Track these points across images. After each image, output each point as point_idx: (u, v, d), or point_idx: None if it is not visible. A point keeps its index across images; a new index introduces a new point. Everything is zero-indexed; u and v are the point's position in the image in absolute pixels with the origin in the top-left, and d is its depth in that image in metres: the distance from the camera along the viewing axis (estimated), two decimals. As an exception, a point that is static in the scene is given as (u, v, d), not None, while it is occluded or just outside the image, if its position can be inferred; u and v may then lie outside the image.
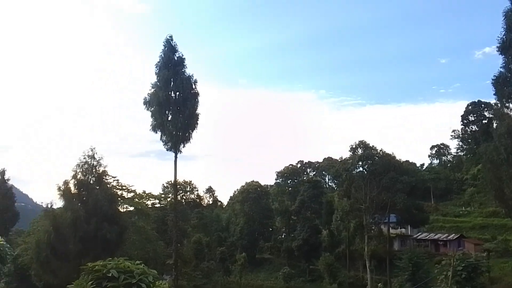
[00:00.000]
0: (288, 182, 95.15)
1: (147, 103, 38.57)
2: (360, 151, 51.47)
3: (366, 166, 51.32)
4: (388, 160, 50.97)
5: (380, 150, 52.02)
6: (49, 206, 28.08)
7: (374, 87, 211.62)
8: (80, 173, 26.64)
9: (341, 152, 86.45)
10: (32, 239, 31.12)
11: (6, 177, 46.15)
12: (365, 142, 51.82)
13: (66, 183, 26.42)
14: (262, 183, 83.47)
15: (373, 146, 51.83)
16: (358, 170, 52.28)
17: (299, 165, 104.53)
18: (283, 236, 77.78)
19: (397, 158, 53.53)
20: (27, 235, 40.38)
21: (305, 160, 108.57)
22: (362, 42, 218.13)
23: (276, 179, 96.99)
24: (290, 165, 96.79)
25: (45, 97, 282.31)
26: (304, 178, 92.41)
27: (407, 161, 69.40)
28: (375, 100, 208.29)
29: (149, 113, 38.56)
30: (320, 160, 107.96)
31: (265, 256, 75.86)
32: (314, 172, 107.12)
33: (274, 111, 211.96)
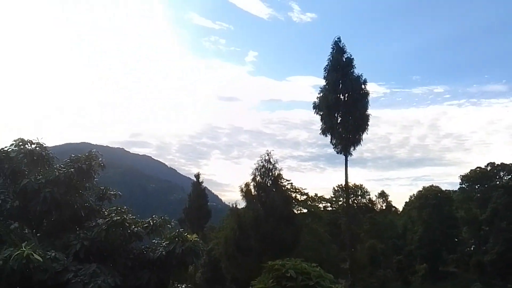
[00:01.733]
0: (476, 187, 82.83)
1: (317, 107, 39.23)
2: None
3: None
4: None
5: None
6: (234, 205, 31.22)
7: None
8: (258, 176, 28.84)
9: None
10: (221, 235, 35.20)
11: (200, 180, 53.33)
12: None
13: (247, 185, 28.98)
14: (443, 188, 75.05)
15: None
16: None
17: (489, 168, 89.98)
18: (471, 249, 68.19)
19: None
20: (218, 231, 45.93)
21: (497, 162, 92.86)
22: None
23: (460, 184, 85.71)
24: (478, 168, 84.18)
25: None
26: (497, 182, 78.94)
27: None
28: None
29: (319, 117, 39.14)
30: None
31: (450, 270, 67.73)
32: (510, 176, 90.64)
33: (455, 108, 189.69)
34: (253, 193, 28.96)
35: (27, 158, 10.44)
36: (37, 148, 10.64)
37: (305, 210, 47.15)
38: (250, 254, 26.73)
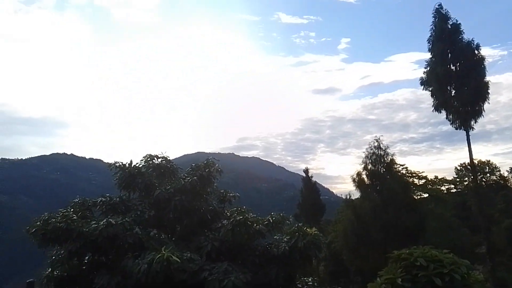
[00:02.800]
0: None
1: (425, 83, 36.14)
2: None
3: None
4: None
5: None
6: (348, 197, 30.50)
7: None
8: (370, 164, 27.72)
9: None
10: (339, 228, 34.67)
11: (309, 174, 53.26)
12: None
13: (359, 174, 28.07)
14: None
15: None
16: None
17: None
18: None
19: None
20: (334, 224, 45.35)
21: None
22: None
23: None
24: None
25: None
26: None
27: None
28: None
29: (428, 93, 36.02)
30: None
31: None
32: None
33: None
34: (366, 182, 27.93)
35: (155, 172, 11.64)
36: (163, 162, 11.80)
37: (425, 195, 43.82)
38: (373, 245, 25.81)
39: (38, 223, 9.26)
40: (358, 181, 28.01)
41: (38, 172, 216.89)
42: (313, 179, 55.17)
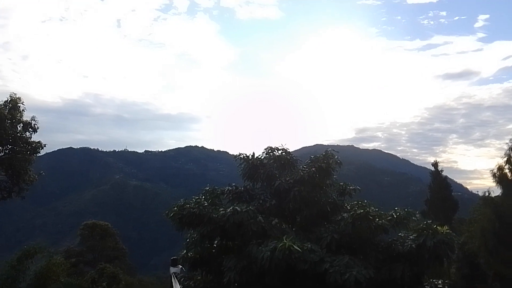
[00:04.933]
0: None
1: None
2: None
3: None
4: None
5: None
6: (486, 194, 27.05)
7: None
8: (514, 157, 24.06)
9: None
10: (475, 227, 31.04)
11: (439, 168, 48.82)
12: None
13: (500, 168, 24.58)
14: None
15: None
16: None
17: None
18: None
19: None
20: (469, 223, 40.78)
21: None
22: None
23: None
24: None
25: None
26: None
27: None
28: None
29: None
30: None
31: None
32: None
33: None
34: (510, 178, 24.35)
35: (276, 163, 12.03)
36: (283, 154, 12.13)
37: None
38: (517, 249, 22.46)
39: (175, 208, 10.41)
40: (500, 176, 24.54)
41: (175, 162, 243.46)
42: (444, 173, 50.50)
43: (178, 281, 11.04)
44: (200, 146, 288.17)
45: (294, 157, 12.35)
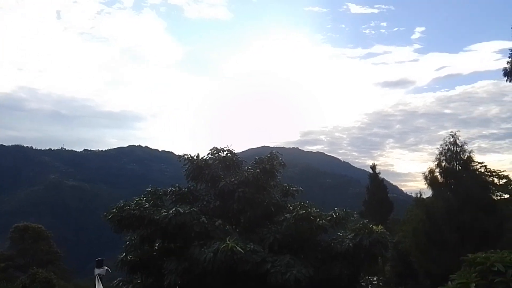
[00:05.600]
0: None
1: (508, 74, 33.01)
2: None
3: None
4: None
5: None
6: (418, 195, 28.88)
7: None
8: (444, 161, 25.95)
9: None
10: (408, 227, 33.02)
11: (377, 171, 51.27)
12: None
13: (431, 172, 26.39)
14: None
15: None
16: None
17: None
18: None
19: None
20: (403, 223, 43.31)
21: None
22: None
23: None
24: None
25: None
26: None
27: None
28: None
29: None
30: None
31: None
32: None
33: None
34: (439, 180, 26.21)
35: (221, 164, 11.97)
36: (229, 155, 12.09)
37: (506, 196, 40.12)
38: (445, 247, 24.24)
39: (114, 210, 9.98)
40: (431, 179, 26.35)
41: (116, 162, 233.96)
42: (381, 175, 53.07)
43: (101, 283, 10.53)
44: (144, 145, 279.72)
45: (239, 158, 12.36)
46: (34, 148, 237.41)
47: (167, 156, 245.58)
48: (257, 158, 11.89)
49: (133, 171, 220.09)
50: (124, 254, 10.74)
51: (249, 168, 11.55)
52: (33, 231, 34.01)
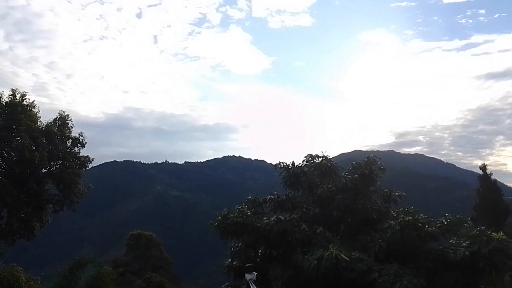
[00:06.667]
0: None
1: None
2: None
3: None
4: None
5: None
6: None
7: None
8: None
9: None
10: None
11: (488, 172, 46.35)
12: None
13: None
14: None
15: None
16: None
17: None
18: None
19: None
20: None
21: None
22: None
23: None
24: None
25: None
26: None
27: None
28: None
29: None
30: None
31: None
32: None
33: None
34: None
35: (317, 171, 11.95)
36: (324, 161, 12.02)
37: None
38: None
39: (219, 217, 10.55)
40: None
41: (213, 172, 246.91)
42: (493, 176, 47.81)
43: None
44: (237, 155, 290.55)
45: (335, 164, 12.22)
46: (142, 162, 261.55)
47: (259, 164, 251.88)
48: (353, 163, 11.64)
49: (229, 180, 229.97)
50: (230, 260, 11.24)
51: (346, 174, 11.35)
52: (145, 238, 37.24)
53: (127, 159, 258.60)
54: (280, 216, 9.55)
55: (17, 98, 21.64)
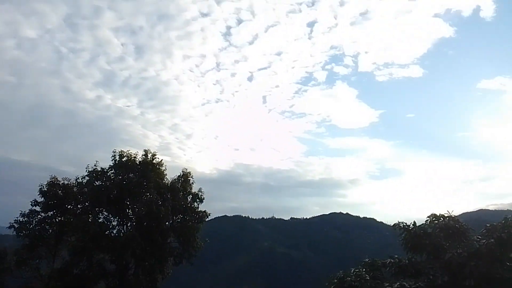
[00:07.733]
0: None
1: None
2: None
3: None
4: None
5: None
6: None
7: None
8: None
9: None
10: None
11: None
12: None
13: None
14: None
15: None
16: None
17: None
18: None
19: None
20: None
21: None
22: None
23: None
24: None
25: None
26: None
27: None
28: None
29: None
30: None
31: None
32: None
33: None
34: None
35: (443, 232, 10.87)
36: (451, 222, 10.94)
37: None
38: None
39: (335, 280, 10.15)
40: None
41: (319, 229, 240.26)
42: None
43: None
44: (344, 212, 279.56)
45: (464, 225, 11.02)
46: (250, 217, 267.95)
47: (368, 222, 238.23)
48: (487, 225, 10.37)
49: (335, 238, 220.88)
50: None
51: (478, 237, 10.13)
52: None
53: (237, 213, 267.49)
54: (405, 283, 8.82)
55: (148, 157, 24.70)
